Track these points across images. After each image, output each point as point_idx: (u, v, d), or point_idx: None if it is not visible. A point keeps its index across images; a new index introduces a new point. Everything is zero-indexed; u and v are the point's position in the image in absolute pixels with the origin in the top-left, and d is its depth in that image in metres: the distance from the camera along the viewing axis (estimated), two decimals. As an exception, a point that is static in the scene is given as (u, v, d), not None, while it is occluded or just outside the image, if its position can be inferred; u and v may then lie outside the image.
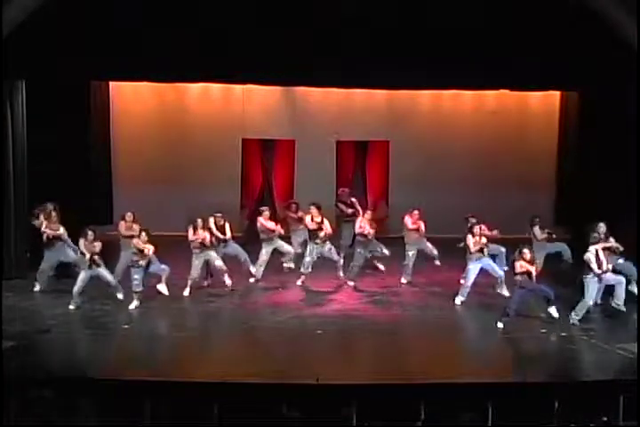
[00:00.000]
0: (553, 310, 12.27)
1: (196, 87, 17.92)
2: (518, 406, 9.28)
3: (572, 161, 17.47)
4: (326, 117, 18.02)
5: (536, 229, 14.28)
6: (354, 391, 9.44)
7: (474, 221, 13.71)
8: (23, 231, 14.40)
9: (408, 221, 14.32)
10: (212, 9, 13.54)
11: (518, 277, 12.11)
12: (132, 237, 13.22)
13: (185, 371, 10.45)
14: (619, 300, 12.49)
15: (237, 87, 17.64)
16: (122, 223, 13.82)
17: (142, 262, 12.69)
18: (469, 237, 13.30)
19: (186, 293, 13.57)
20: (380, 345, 11.50)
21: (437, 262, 14.53)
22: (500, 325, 12.12)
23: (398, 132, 18.13)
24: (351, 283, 14.33)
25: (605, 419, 9.12)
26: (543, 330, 12.06)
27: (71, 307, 12.69)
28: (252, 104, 18.06)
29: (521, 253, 12.12)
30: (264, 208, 14.69)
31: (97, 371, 10.38)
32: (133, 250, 12.77)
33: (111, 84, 17.63)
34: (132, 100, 18.18)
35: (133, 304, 12.81)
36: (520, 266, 12.06)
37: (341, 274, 14.47)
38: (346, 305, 13.35)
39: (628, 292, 12.72)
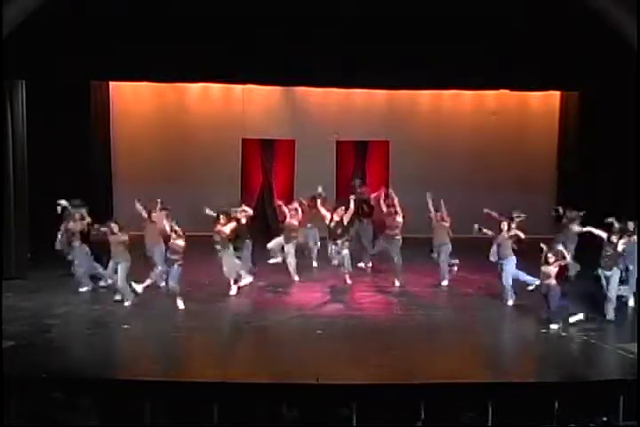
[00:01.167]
0: (554, 326, 12.08)
1: (195, 87, 17.94)
2: (518, 406, 9.28)
3: (572, 161, 17.48)
4: (326, 117, 18.04)
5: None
6: (354, 391, 9.44)
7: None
8: (23, 231, 14.41)
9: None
10: (212, 9, 13.54)
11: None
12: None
13: (185, 371, 10.45)
14: (608, 315, 12.47)
15: (237, 87, 17.66)
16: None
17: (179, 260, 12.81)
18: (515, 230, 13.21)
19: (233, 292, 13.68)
20: (380, 345, 11.50)
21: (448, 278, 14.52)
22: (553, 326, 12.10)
23: (398, 132, 18.14)
24: (397, 283, 14.38)
25: (605, 419, 9.12)
26: (543, 330, 12.06)
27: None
28: (252, 104, 18.07)
29: (546, 257, 12.05)
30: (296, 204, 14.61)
31: (97, 371, 10.39)
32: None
33: (111, 84, 17.63)
34: (132, 100, 18.19)
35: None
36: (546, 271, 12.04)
37: (348, 280, 14.28)
38: (346, 305, 13.36)
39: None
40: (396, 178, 18.21)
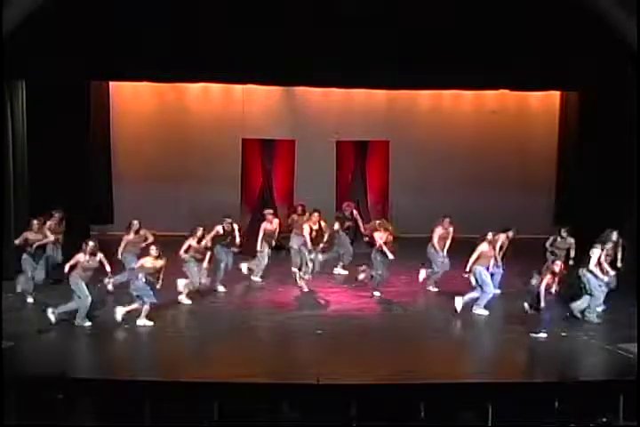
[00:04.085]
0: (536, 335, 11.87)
1: (195, 87, 17.94)
2: (518, 406, 9.29)
3: (572, 161, 17.49)
4: (326, 117, 18.06)
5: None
6: (354, 391, 9.45)
7: None
8: (23, 231, 14.37)
9: (437, 231, 13.82)
10: (212, 9, 13.54)
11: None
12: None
13: (185, 371, 10.44)
14: (588, 312, 12.47)
15: (237, 87, 17.68)
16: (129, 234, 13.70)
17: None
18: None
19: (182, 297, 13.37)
20: (380, 345, 11.50)
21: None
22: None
23: (398, 132, 18.15)
24: (377, 293, 13.76)
25: (605, 419, 9.12)
26: (543, 330, 12.05)
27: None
28: (252, 104, 18.09)
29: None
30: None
31: (97, 371, 10.38)
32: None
33: (111, 84, 17.66)
34: (132, 100, 18.21)
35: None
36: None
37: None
38: (346, 305, 13.35)
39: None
40: (396, 178, 18.25)
